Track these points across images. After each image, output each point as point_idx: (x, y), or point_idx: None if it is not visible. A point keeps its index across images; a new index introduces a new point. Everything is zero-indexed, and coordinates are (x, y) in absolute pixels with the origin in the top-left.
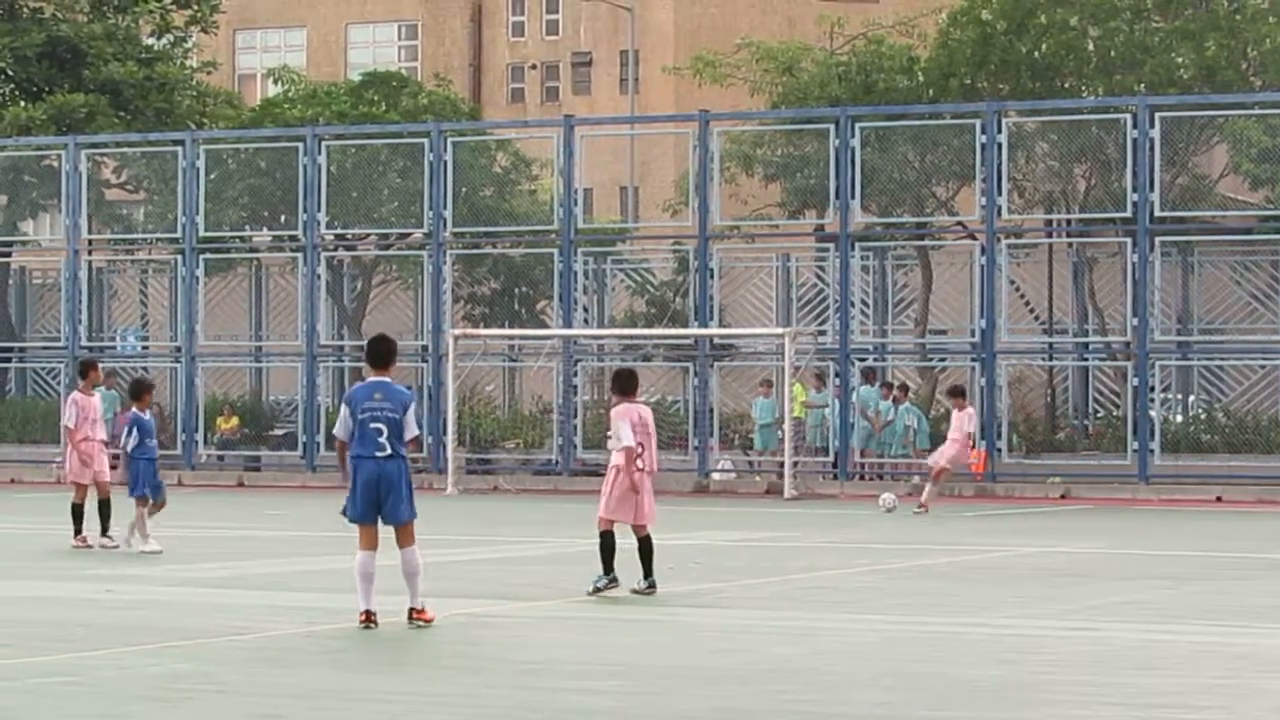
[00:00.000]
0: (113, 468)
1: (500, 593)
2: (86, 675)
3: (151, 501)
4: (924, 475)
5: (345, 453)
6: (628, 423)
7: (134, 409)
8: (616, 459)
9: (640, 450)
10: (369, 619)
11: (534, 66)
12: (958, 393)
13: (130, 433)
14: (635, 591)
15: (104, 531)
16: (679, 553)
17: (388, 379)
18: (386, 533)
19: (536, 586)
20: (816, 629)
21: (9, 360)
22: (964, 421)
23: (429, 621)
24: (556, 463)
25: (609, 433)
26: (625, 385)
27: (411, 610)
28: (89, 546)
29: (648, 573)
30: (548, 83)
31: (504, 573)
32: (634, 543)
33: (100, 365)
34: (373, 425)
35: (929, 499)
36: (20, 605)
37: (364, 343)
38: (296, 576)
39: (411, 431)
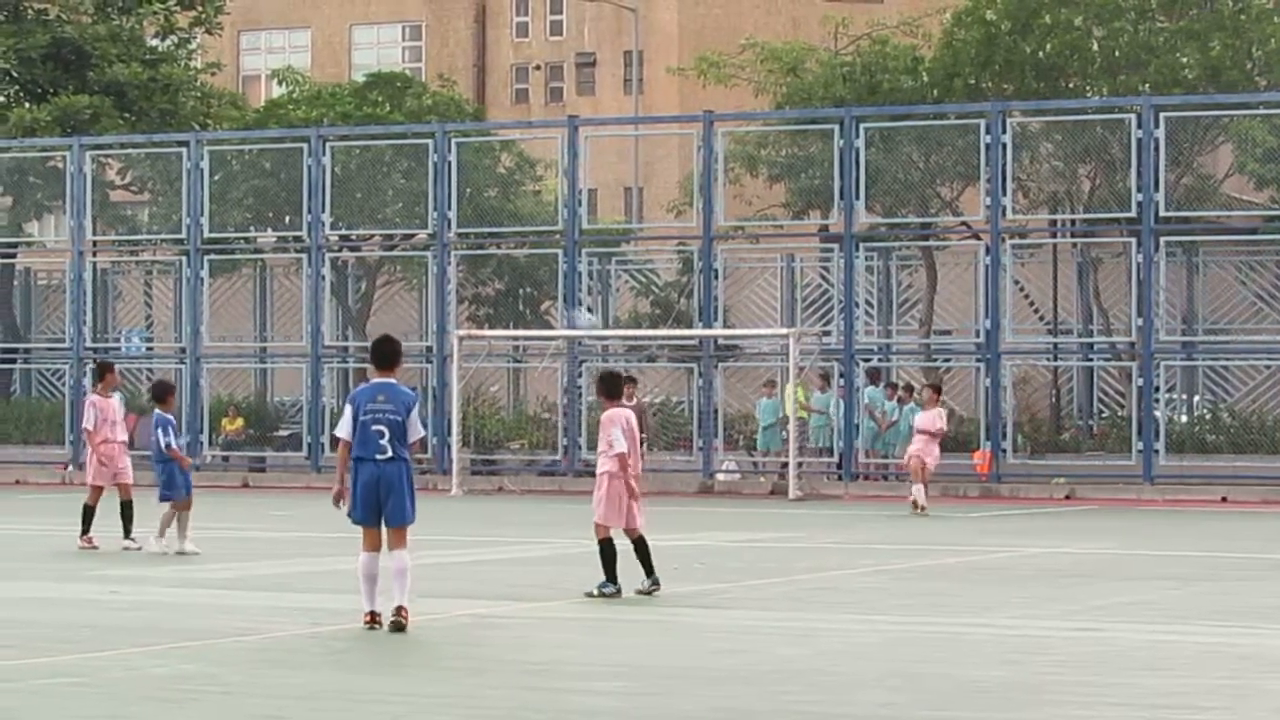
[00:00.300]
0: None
1: (504, 593)
2: (92, 676)
3: (180, 501)
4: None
5: (347, 452)
6: (619, 428)
7: (158, 410)
8: (606, 465)
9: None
10: (373, 620)
11: (538, 67)
12: (938, 389)
13: (168, 431)
14: (640, 592)
15: (126, 534)
16: (684, 553)
17: (392, 380)
18: None
19: (540, 587)
20: (820, 630)
21: (14, 361)
22: (938, 418)
23: (405, 624)
24: (561, 463)
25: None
26: (614, 389)
27: (398, 607)
28: (95, 548)
29: (649, 571)
30: (552, 83)
31: (508, 573)
32: (628, 545)
33: (113, 367)
34: (374, 427)
35: (924, 500)
36: (25, 606)
37: (369, 344)
38: (301, 577)
39: (416, 433)
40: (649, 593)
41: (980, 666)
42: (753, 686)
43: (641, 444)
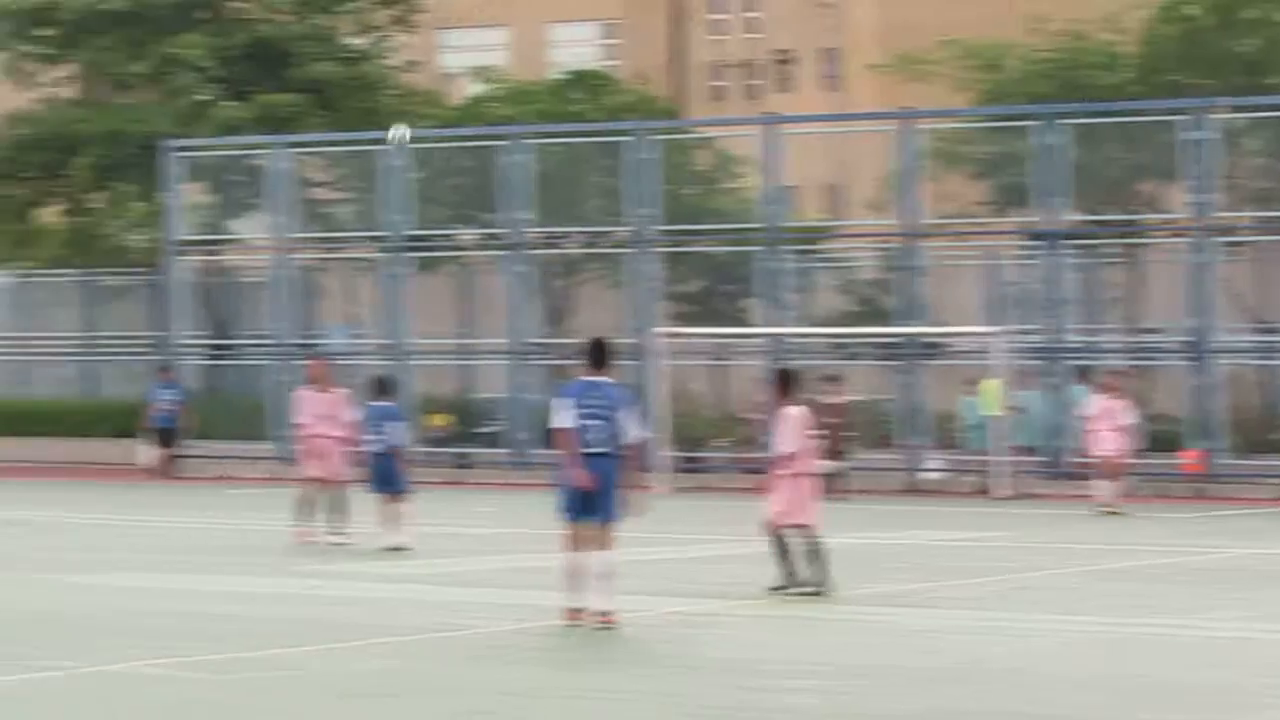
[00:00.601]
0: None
1: (708, 591)
2: (296, 670)
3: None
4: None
5: (572, 439)
6: (791, 427)
7: (383, 404)
8: (779, 464)
9: (798, 454)
10: (577, 616)
11: (735, 65)
12: (1122, 374)
13: (402, 426)
14: (802, 592)
15: (336, 529)
16: (879, 552)
17: (606, 379)
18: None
19: (744, 584)
20: (1023, 629)
21: (219, 358)
22: (1123, 412)
23: (611, 627)
24: (760, 461)
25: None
26: (786, 387)
27: (602, 612)
28: (312, 542)
29: (815, 571)
30: (749, 80)
31: (712, 571)
32: (804, 543)
33: (326, 363)
34: (587, 422)
35: (1113, 497)
36: (232, 601)
37: (571, 341)
38: (506, 574)
39: (632, 432)
40: (809, 593)
41: (1184, 669)
42: (954, 686)
43: (843, 442)
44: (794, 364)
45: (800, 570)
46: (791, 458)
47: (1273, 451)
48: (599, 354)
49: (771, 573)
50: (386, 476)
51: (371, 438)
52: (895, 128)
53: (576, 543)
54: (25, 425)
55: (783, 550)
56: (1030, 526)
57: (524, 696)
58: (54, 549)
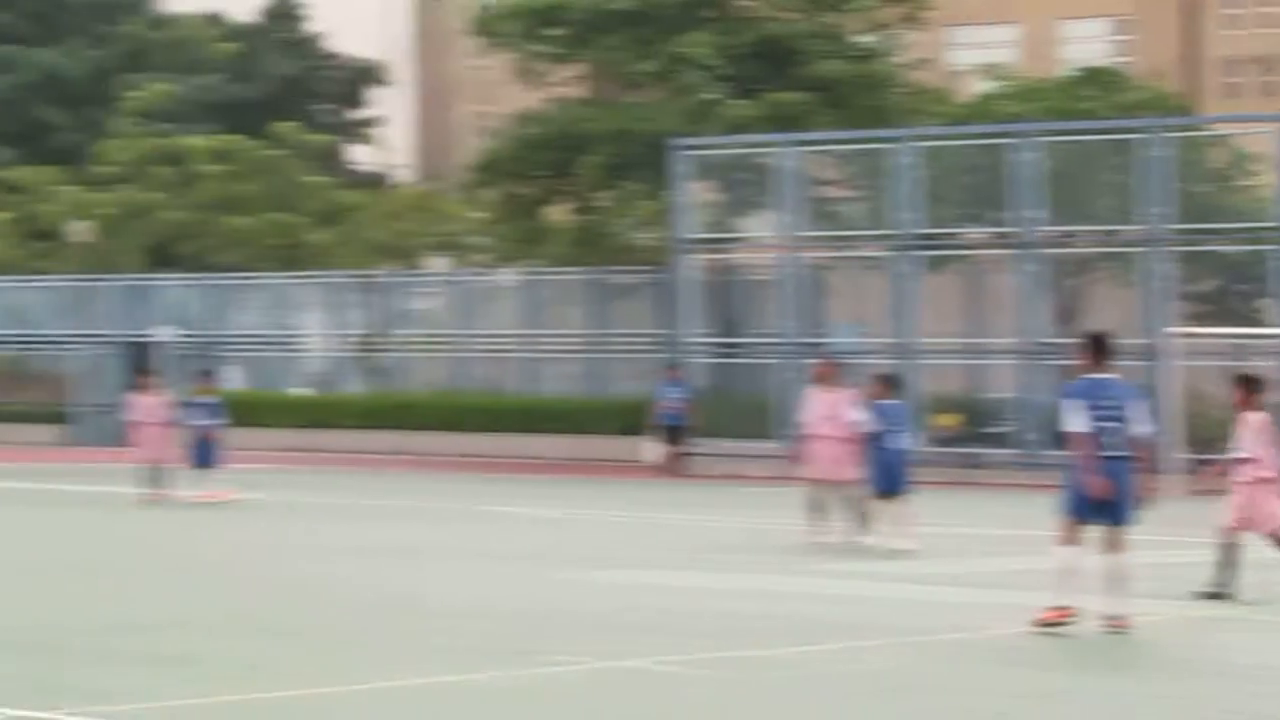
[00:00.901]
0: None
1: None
2: (802, 669)
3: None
4: None
5: (1090, 444)
6: (1251, 433)
7: (893, 402)
8: (1235, 470)
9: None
10: (1067, 615)
11: (1251, 60)
12: None
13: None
14: None
15: (845, 530)
16: None
17: (1112, 376)
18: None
19: (1251, 589)
20: None
21: (726, 356)
22: None
23: (1125, 630)
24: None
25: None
26: (1251, 392)
27: (1116, 616)
28: (824, 542)
29: None
30: (1266, 76)
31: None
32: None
33: (835, 362)
34: (1103, 425)
35: None
36: (738, 598)
37: (1080, 340)
38: (1014, 575)
39: (1141, 429)
40: None
41: None
42: None
43: None
44: (1257, 369)
45: (1235, 584)
46: (1250, 463)
47: None
48: (1100, 349)
49: None
50: (894, 476)
51: (887, 434)
52: None
53: (1075, 539)
54: (533, 422)
55: (1228, 559)
56: None
57: (1036, 698)
58: (562, 545)
